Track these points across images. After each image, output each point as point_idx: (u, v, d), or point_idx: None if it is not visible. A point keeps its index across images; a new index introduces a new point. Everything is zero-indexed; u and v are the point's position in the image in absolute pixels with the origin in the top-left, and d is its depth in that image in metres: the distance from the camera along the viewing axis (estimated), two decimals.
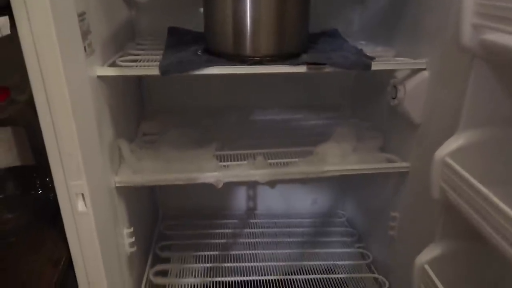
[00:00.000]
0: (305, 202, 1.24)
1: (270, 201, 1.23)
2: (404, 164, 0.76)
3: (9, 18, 0.49)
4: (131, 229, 0.79)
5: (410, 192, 0.78)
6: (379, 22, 0.92)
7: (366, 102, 0.99)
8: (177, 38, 0.84)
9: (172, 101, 1.08)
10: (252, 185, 1.21)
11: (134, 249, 0.81)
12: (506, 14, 0.39)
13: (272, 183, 1.19)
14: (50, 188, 0.80)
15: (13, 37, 0.50)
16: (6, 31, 0.47)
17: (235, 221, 1.16)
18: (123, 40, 0.85)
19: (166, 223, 1.13)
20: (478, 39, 0.44)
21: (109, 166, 0.71)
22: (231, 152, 0.83)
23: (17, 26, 0.48)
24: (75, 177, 0.58)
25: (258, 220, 1.17)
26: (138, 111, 1.00)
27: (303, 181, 1.21)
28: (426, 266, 0.54)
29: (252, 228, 1.13)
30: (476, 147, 0.49)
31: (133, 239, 0.80)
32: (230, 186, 1.21)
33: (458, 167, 0.46)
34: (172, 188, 1.17)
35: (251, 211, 1.23)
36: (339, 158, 0.78)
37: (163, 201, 1.19)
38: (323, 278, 0.91)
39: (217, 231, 1.10)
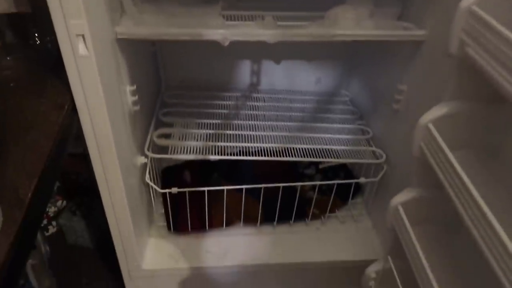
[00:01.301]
0: (309, 81, 1.22)
1: (274, 78, 1.21)
2: (421, 32, 0.73)
3: None
4: (134, 87, 0.78)
5: (422, 63, 0.75)
6: None
7: None
8: None
9: None
10: (256, 60, 1.18)
11: (137, 107, 0.81)
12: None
13: (278, 58, 1.16)
14: (48, 40, 0.77)
15: None
16: None
17: (238, 94, 1.15)
18: None
19: (169, 93, 1.12)
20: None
21: (109, 14, 0.67)
22: (239, 12, 0.79)
23: None
24: (74, 15, 0.54)
25: (261, 95, 1.16)
26: None
27: (308, 58, 1.17)
28: (430, 125, 0.54)
29: (254, 102, 1.12)
30: None
31: (136, 98, 0.79)
32: (234, 60, 1.17)
33: (485, 15, 0.43)
34: (175, 58, 1.15)
35: (254, 86, 1.21)
36: (352, 22, 0.74)
37: (166, 72, 1.16)
38: (321, 149, 0.94)
39: (219, 102, 1.10)
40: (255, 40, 0.72)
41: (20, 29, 0.76)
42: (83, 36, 0.56)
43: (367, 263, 0.83)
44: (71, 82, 0.60)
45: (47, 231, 1.23)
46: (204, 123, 1.00)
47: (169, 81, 1.17)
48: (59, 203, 1.22)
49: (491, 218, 0.43)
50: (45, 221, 1.22)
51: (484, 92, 0.52)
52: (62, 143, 0.57)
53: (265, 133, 0.98)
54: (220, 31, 0.71)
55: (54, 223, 1.23)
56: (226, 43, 0.71)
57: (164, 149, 0.92)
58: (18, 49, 0.74)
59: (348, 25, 0.73)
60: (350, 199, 1.03)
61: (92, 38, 0.57)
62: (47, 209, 1.20)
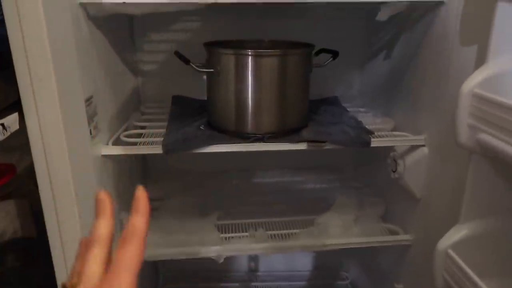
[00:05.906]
0: (307, 262, 1.21)
1: (272, 260, 1.21)
2: (407, 237, 0.76)
3: (18, 112, 0.51)
4: None
5: (413, 264, 0.76)
6: (378, 88, 0.93)
7: (368, 166, 1.00)
8: (180, 108, 0.87)
9: (174, 163, 1.08)
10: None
11: None
12: (499, 122, 0.40)
13: None
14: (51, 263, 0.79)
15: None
16: (15, 127, 0.49)
17: (236, 284, 1.13)
18: (129, 110, 0.87)
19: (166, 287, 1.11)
20: (474, 138, 0.45)
21: None
22: (233, 222, 0.83)
23: (25, 120, 0.50)
24: None
25: (260, 283, 1.14)
26: (141, 175, 1.01)
27: None
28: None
29: None
30: (478, 237, 0.49)
31: None
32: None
33: (460, 261, 0.46)
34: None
35: (252, 272, 1.20)
36: (340, 230, 0.78)
37: (163, 263, 1.17)
38: None
39: None
40: (248, 254, 0.74)
41: (23, 252, 0.79)
42: None
43: None
44: None
45: None
46: None
47: (167, 272, 1.16)
48: None
49: None
50: None
51: None
52: None
53: None
54: (215, 248, 0.74)
55: None
56: (221, 260, 0.74)
57: None
58: (19, 274, 0.76)
59: (337, 233, 0.77)
60: None
61: None
62: None
